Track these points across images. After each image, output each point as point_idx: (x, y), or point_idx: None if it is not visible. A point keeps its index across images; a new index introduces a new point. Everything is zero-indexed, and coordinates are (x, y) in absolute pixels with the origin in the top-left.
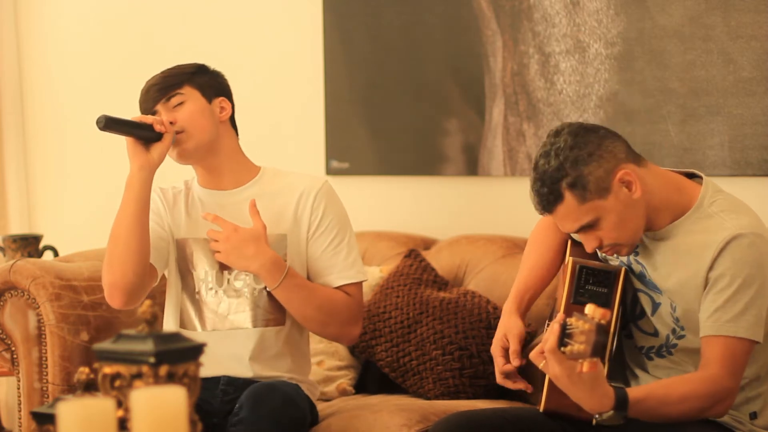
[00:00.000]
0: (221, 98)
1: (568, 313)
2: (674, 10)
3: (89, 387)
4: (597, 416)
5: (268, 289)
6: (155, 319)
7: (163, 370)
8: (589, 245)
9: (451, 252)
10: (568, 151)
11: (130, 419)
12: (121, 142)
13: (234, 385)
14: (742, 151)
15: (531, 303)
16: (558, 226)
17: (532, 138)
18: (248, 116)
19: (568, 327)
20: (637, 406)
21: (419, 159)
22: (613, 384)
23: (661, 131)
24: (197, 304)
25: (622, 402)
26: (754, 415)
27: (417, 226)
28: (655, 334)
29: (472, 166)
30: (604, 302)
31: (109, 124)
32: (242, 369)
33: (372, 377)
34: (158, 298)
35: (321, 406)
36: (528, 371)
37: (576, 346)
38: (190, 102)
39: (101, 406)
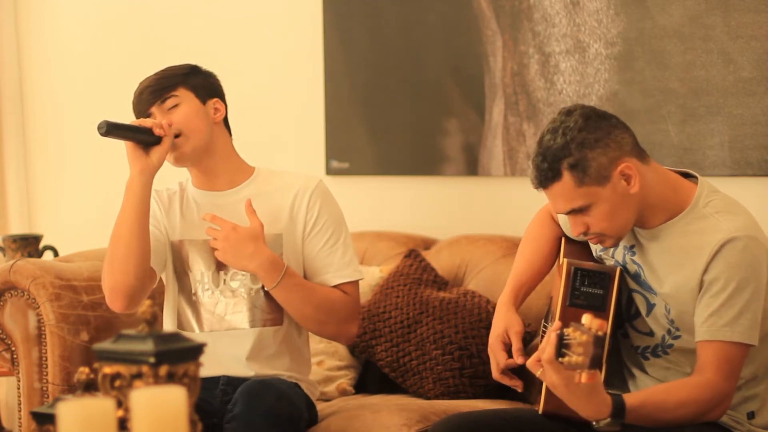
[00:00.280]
0: (215, 99)
1: (563, 316)
2: (674, 10)
3: (89, 387)
4: (594, 423)
5: (266, 288)
6: (155, 319)
7: (163, 370)
8: (576, 229)
9: (451, 252)
10: (577, 132)
11: (130, 419)
12: (120, 142)
13: (233, 385)
14: (742, 151)
15: (526, 297)
16: (550, 205)
17: (532, 138)
18: (248, 116)
19: (565, 337)
20: (634, 413)
21: (419, 159)
22: (610, 391)
23: (661, 131)
24: (194, 306)
25: (619, 409)
26: (751, 415)
27: (417, 226)
28: (651, 333)
29: (472, 166)
30: (600, 304)
31: (111, 129)
32: (242, 369)
33: (372, 377)
34: (158, 298)
35: (321, 406)
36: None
37: (574, 357)
38: (185, 104)
39: (101, 406)
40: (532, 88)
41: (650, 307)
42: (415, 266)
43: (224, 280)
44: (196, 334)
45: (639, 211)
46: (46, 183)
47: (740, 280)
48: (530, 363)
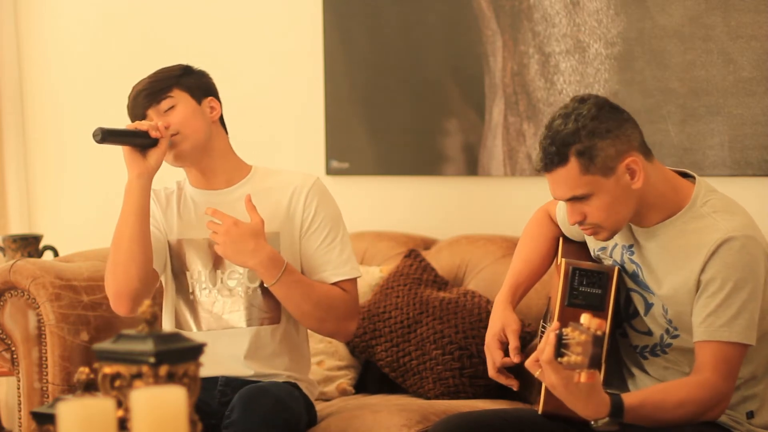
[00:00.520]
0: (210, 98)
1: (562, 316)
2: (674, 10)
3: (89, 387)
4: (593, 423)
5: (265, 285)
6: (155, 319)
7: (163, 370)
8: (572, 218)
9: (451, 252)
10: (589, 120)
11: (130, 419)
12: None
13: (232, 385)
14: (742, 151)
15: (524, 296)
16: (550, 190)
17: (532, 138)
18: (248, 116)
19: (564, 337)
20: (632, 412)
21: (419, 159)
22: (608, 391)
23: (661, 131)
24: (192, 305)
25: (617, 409)
26: (751, 415)
27: (417, 226)
28: (649, 333)
29: (472, 166)
30: (599, 304)
31: (106, 136)
32: (240, 368)
33: (372, 377)
34: (158, 298)
35: (321, 406)
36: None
37: (573, 357)
38: (181, 105)
39: (101, 406)
40: (532, 88)
41: (648, 306)
42: (415, 266)
43: (221, 279)
44: (193, 333)
45: (637, 208)
46: (46, 183)
47: (737, 280)
48: (529, 363)
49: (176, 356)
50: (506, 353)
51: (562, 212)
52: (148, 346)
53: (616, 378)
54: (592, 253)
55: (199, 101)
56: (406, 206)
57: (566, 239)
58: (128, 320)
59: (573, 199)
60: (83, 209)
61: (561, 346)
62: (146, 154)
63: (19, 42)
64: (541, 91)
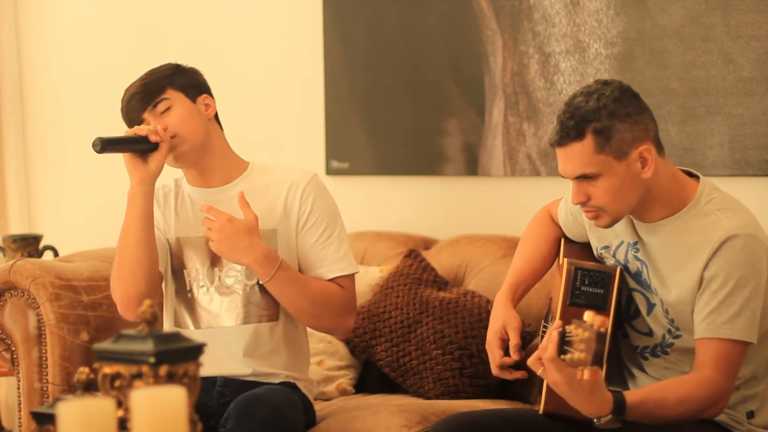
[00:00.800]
0: (204, 95)
1: (564, 315)
2: (674, 10)
3: (89, 387)
4: (595, 420)
5: (260, 282)
6: (155, 319)
7: (163, 370)
8: (577, 197)
9: (451, 252)
10: (611, 101)
11: (130, 419)
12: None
13: (230, 386)
14: (742, 151)
15: (524, 294)
16: (559, 166)
17: (532, 138)
18: (249, 116)
19: (567, 334)
20: (634, 410)
21: (419, 159)
22: (610, 388)
23: (661, 131)
24: (190, 303)
25: (620, 406)
26: (751, 414)
27: (417, 226)
28: (650, 333)
29: (472, 166)
30: (601, 303)
31: (106, 145)
32: (239, 366)
33: (372, 377)
34: (158, 297)
35: (320, 406)
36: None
37: (576, 354)
38: (177, 105)
39: (101, 406)
40: (532, 88)
41: (650, 306)
42: (415, 266)
43: (219, 277)
44: (191, 332)
45: (642, 200)
46: (46, 183)
47: (740, 277)
48: (531, 361)
49: (176, 356)
50: (507, 352)
51: (563, 213)
52: (148, 346)
53: (617, 378)
54: (595, 252)
55: (193, 100)
56: (406, 206)
57: (568, 240)
58: (128, 320)
59: (581, 178)
60: (83, 209)
61: (564, 344)
62: (147, 159)
63: (19, 42)
64: (541, 91)
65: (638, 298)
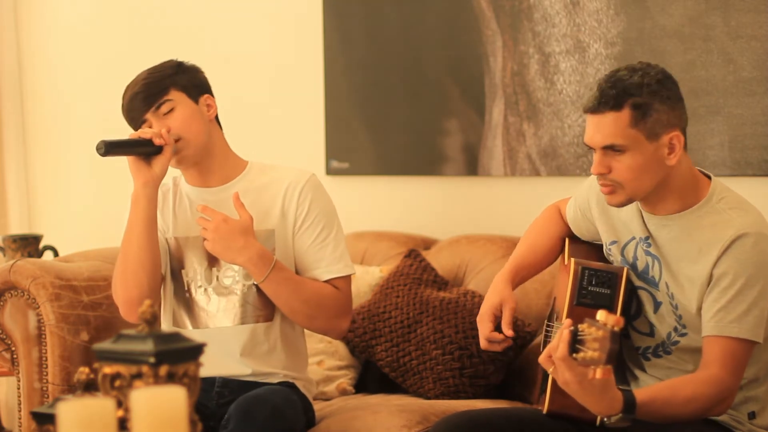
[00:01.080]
0: (205, 96)
1: (571, 315)
2: (674, 10)
3: (89, 387)
4: (606, 419)
5: (255, 282)
6: (155, 319)
7: (163, 370)
8: (598, 167)
9: (451, 252)
10: (655, 81)
11: (130, 419)
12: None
13: (230, 386)
14: (742, 151)
15: (523, 281)
16: (587, 133)
17: (532, 138)
18: (248, 116)
19: (579, 333)
20: (644, 408)
21: (419, 159)
22: (620, 387)
23: None
24: (188, 303)
25: (630, 405)
26: (752, 415)
27: (417, 226)
28: (651, 333)
29: (472, 166)
30: (607, 304)
31: (110, 148)
32: (237, 367)
33: (372, 377)
34: (158, 299)
35: (320, 406)
36: (524, 373)
37: (589, 353)
38: (180, 107)
39: (101, 406)
40: (532, 88)
41: (657, 304)
42: (415, 266)
43: (217, 277)
44: (189, 332)
45: (658, 187)
46: (46, 183)
47: (749, 276)
48: (542, 359)
49: (176, 356)
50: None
51: (572, 210)
52: (148, 346)
53: (619, 379)
54: (604, 247)
55: (196, 100)
56: (406, 206)
57: (573, 240)
58: (129, 321)
59: (607, 148)
60: (83, 209)
61: (575, 342)
62: (151, 162)
63: (19, 42)
64: (541, 91)
65: (644, 297)
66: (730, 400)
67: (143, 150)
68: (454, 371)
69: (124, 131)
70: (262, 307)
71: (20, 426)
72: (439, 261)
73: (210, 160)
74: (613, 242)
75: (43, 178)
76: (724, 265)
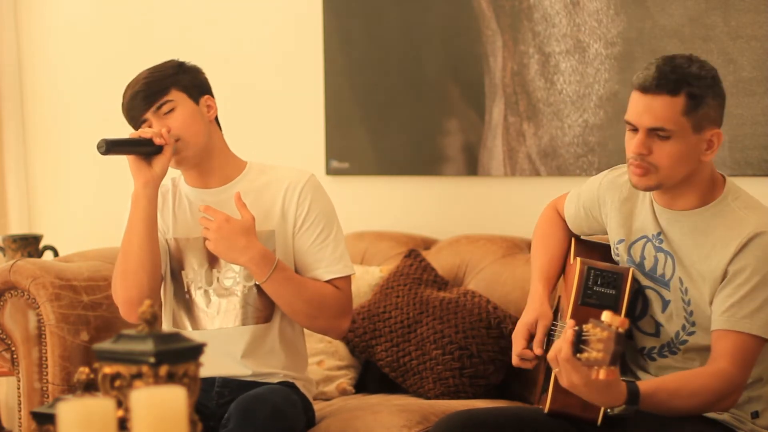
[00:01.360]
0: (206, 96)
1: (575, 315)
2: (674, 10)
3: (89, 387)
4: (609, 410)
5: (257, 282)
6: (155, 319)
7: (163, 370)
8: (640, 147)
9: (451, 252)
10: (710, 77)
11: (130, 419)
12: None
13: (229, 386)
14: (742, 151)
15: (552, 290)
16: (634, 111)
17: (532, 138)
18: (248, 116)
19: (584, 333)
20: (648, 399)
21: (419, 159)
22: (624, 378)
23: None
24: (188, 304)
25: (633, 396)
26: (755, 415)
27: (417, 226)
28: (656, 334)
29: (472, 166)
30: (612, 304)
31: (110, 147)
32: (237, 367)
33: (372, 377)
34: (158, 299)
35: (320, 406)
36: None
37: (594, 353)
38: (181, 107)
39: (101, 406)
40: (532, 88)
41: (665, 303)
42: (415, 266)
43: (217, 278)
44: (189, 333)
45: (683, 181)
46: (46, 183)
47: (765, 274)
48: (550, 356)
49: (176, 356)
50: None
51: (573, 207)
52: (148, 346)
53: (622, 373)
54: (612, 246)
55: (196, 101)
56: (406, 206)
57: (579, 239)
58: (129, 322)
59: (654, 131)
60: (83, 209)
61: (580, 343)
62: (151, 161)
63: (19, 42)
64: (541, 91)
65: (652, 296)
66: (736, 395)
67: (143, 149)
68: (454, 371)
69: (124, 131)
70: (263, 308)
71: (20, 426)
72: (439, 261)
73: (210, 160)
74: (621, 240)
75: (43, 178)
76: (742, 261)
